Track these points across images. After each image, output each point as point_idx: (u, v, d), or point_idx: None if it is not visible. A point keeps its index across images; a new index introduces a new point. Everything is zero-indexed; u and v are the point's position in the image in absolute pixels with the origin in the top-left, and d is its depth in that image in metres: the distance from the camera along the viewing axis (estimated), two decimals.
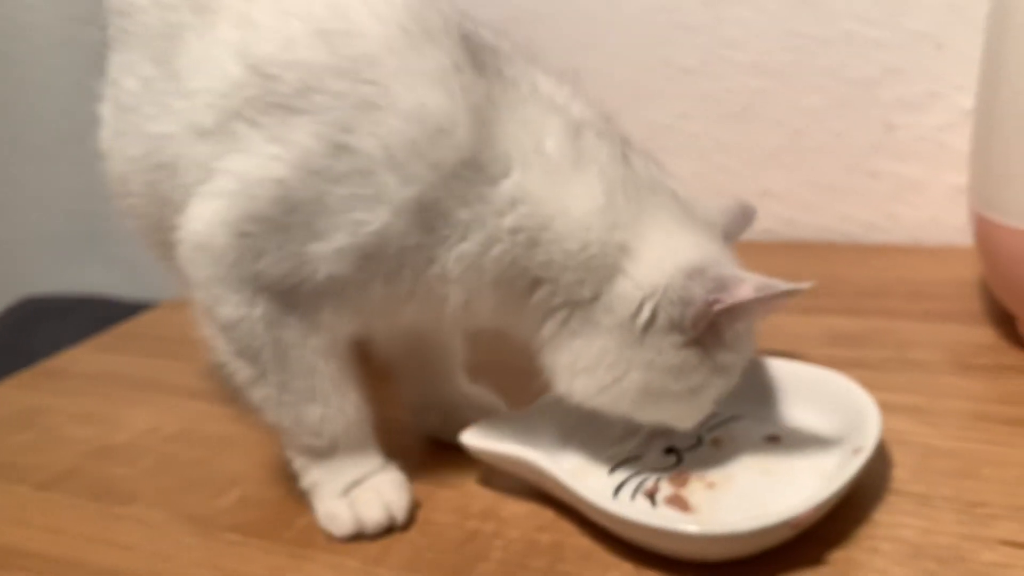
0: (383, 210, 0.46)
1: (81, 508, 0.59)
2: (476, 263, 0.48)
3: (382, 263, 0.47)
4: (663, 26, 0.93)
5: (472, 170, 0.47)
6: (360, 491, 0.52)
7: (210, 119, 0.49)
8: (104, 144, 0.58)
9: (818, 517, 0.45)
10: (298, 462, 0.54)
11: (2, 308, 1.28)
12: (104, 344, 0.90)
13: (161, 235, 0.53)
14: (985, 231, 0.61)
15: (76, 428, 0.71)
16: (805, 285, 0.44)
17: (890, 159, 0.87)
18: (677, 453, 0.54)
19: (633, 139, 0.53)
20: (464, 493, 0.54)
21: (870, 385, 0.52)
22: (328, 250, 0.47)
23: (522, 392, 0.55)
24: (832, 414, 0.53)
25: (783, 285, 0.45)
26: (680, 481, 0.51)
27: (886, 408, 0.50)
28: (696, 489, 0.50)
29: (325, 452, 0.53)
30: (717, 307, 0.46)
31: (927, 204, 0.87)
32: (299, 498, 0.54)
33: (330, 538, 0.52)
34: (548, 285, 0.49)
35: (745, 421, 0.56)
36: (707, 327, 0.47)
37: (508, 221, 0.47)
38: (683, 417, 0.51)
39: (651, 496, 0.50)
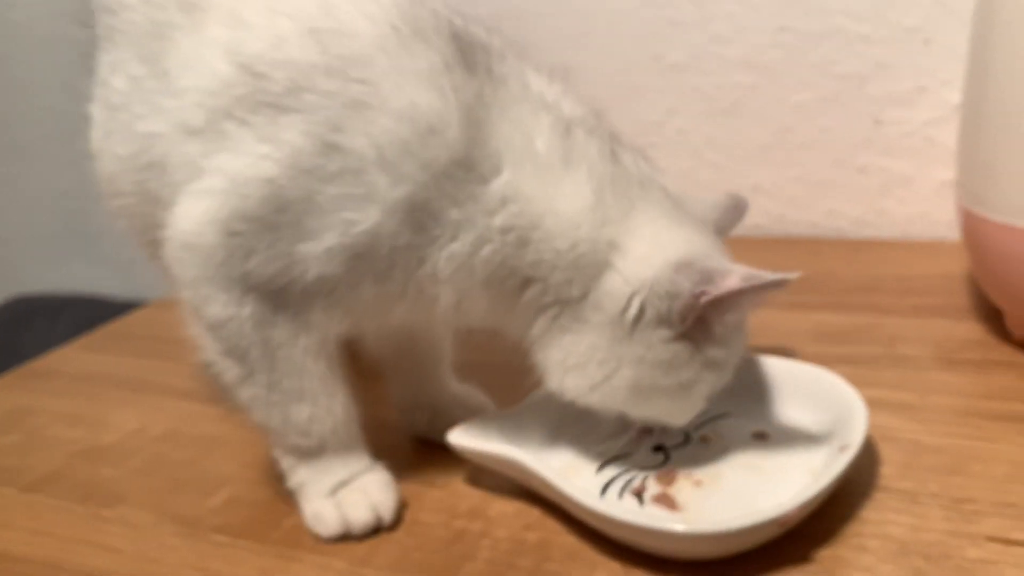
0: (374, 210, 0.46)
1: (67, 510, 0.59)
2: (467, 263, 0.48)
3: (372, 263, 0.47)
4: (652, 22, 0.93)
5: (463, 170, 0.46)
6: (347, 491, 0.52)
7: (200, 118, 0.48)
8: (94, 144, 0.58)
9: (805, 515, 0.45)
10: (285, 462, 0.54)
11: None
12: (92, 344, 0.89)
13: (151, 234, 0.52)
14: (972, 226, 0.61)
15: (63, 429, 0.71)
16: (792, 275, 0.44)
17: (879, 154, 0.87)
18: (665, 451, 0.54)
19: (623, 136, 0.53)
20: (452, 492, 0.54)
21: (858, 381, 0.52)
22: (318, 250, 0.47)
23: (511, 391, 0.55)
24: (820, 411, 0.53)
25: (770, 276, 0.45)
26: (668, 479, 0.51)
27: (874, 404, 0.50)
28: (683, 487, 0.50)
29: (313, 452, 0.52)
30: (704, 299, 0.46)
31: (916, 199, 0.87)
32: (287, 499, 0.54)
33: (317, 539, 0.51)
34: (538, 284, 0.49)
35: (733, 418, 0.56)
36: (696, 321, 0.47)
37: (498, 220, 0.47)
38: (676, 413, 0.51)
39: (638, 494, 0.50)
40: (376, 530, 0.51)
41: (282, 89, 0.46)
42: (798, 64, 0.87)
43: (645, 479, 0.51)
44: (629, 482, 0.51)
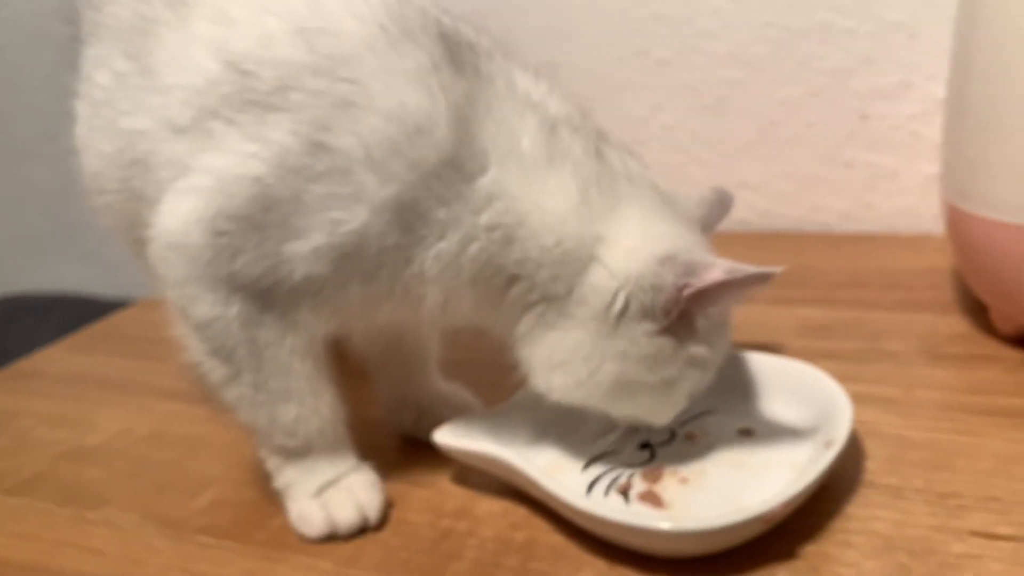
0: (361, 209, 0.46)
1: (51, 513, 0.58)
2: (453, 262, 0.48)
3: (360, 263, 0.47)
4: (638, 17, 0.93)
5: (451, 169, 0.46)
6: (333, 492, 0.52)
7: (186, 116, 0.48)
8: (78, 140, 0.57)
9: (790, 511, 0.45)
10: (271, 462, 0.53)
11: None
12: (77, 345, 0.89)
13: (136, 232, 0.52)
14: (957, 221, 0.61)
15: (48, 431, 0.70)
16: (775, 269, 0.44)
17: (864, 149, 0.87)
18: (651, 448, 0.54)
19: (610, 133, 0.53)
20: (438, 492, 0.54)
21: (843, 376, 0.53)
22: (305, 249, 0.46)
23: (497, 389, 0.55)
24: (805, 407, 0.53)
25: (752, 269, 0.45)
26: (653, 477, 0.51)
27: (859, 399, 0.51)
28: (669, 485, 0.50)
29: (299, 452, 0.52)
30: (687, 292, 0.46)
31: (901, 193, 0.87)
32: (272, 499, 0.54)
33: (303, 539, 0.51)
34: (524, 281, 0.49)
35: (718, 415, 0.56)
36: (679, 315, 0.47)
37: (484, 219, 0.47)
38: (658, 412, 0.51)
39: (624, 492, 0.50)
40: (362, 530, 0.51)
41: (270, 88, 0.46)
42: (784, 59, 0.88)
43: (631, 477, 0.51)
44: (615, 480, 0.51)
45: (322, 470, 0.53)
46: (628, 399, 0.50)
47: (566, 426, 0.55)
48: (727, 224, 0.57)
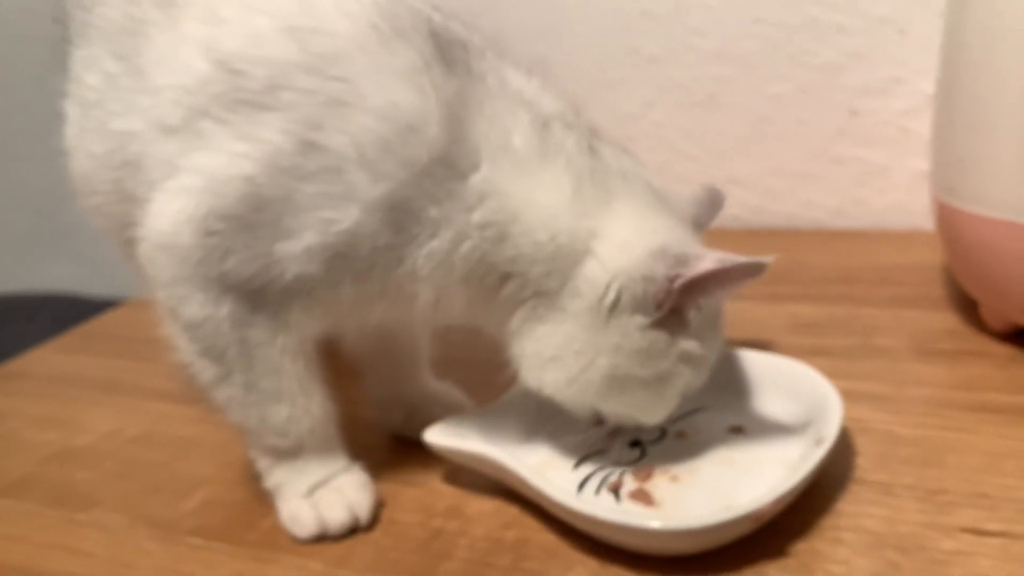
0: (353, 208, 0.45)
1: (40, 515, 0.58)
2: (446, 260, 0.48)
3: (352, 262, 0.47)
4: (628, 14, 0.92)
5: (443, 167, 0.46)
6: (324, 492, 0.52)
7: (176, 116, 0.48)
8: (68, 141, 0.57)
9: (780, 509, 0.45)
10: (262, 462, 0.53)
11: None
12: (66, 345, 0.89)
13: (127, 233, 0.52)
14: (946, 217, 0.61)
15: (37, 432, 0.70)
16: (766, 259, 0.44)
17: (855, 145, 0.87)
18: (642, 446, 0.54)
19: (602, 130, 0.53)
20: (429, 491, 0.54)
21: (834, 373, 0.53)
22: (297, 249, 0.46)
23: (489, 387, 0.55)
24: (796, 404, 0.53)
25: (743, 258, 0.45)
26: (644, 475, 0.51)
27: (849, 396, 0.51)
28: (660, 483, 0.50)
29: (290, 452, 0.52)
30: (678, 282, 0.46)
31: (892, 189, 0.87)
32: (263, 500, 0.54)
33: (294, 540, 0.51)
34: (517, 279, 0.49)
35: (709, 412, 0.56)
36: (672, 308, 0.47)
37: (477, 216, 0.47)
38: (650, 409, 0.51)
39: (615, 491, 0.50)
40: (353, 530, 0.51)
41: (260, 87, 0.46)
42: (774, 56, 0.88)
43: (622, 475, 0.51)
44: (606, 478, 0.51)
45: (313, 470, 0.52)
46: (620, 395, 0.50)
47: (557, 424, 0.55)
48: (718, 220, 0.57)
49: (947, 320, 0.66)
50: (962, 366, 0.60)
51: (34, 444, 0.68)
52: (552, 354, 0.49)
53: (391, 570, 0.48)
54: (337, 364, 0.57)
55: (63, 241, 1.25)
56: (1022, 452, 0.50)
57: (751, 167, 0.92)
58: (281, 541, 0.51)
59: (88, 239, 0.62)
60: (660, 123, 0.94)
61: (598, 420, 0.54)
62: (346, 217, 0.46)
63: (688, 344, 0.49)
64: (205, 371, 0.50)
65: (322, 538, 0.51)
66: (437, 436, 0.52)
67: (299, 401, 0.51)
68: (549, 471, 0.52)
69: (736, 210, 0.93)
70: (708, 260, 0.45)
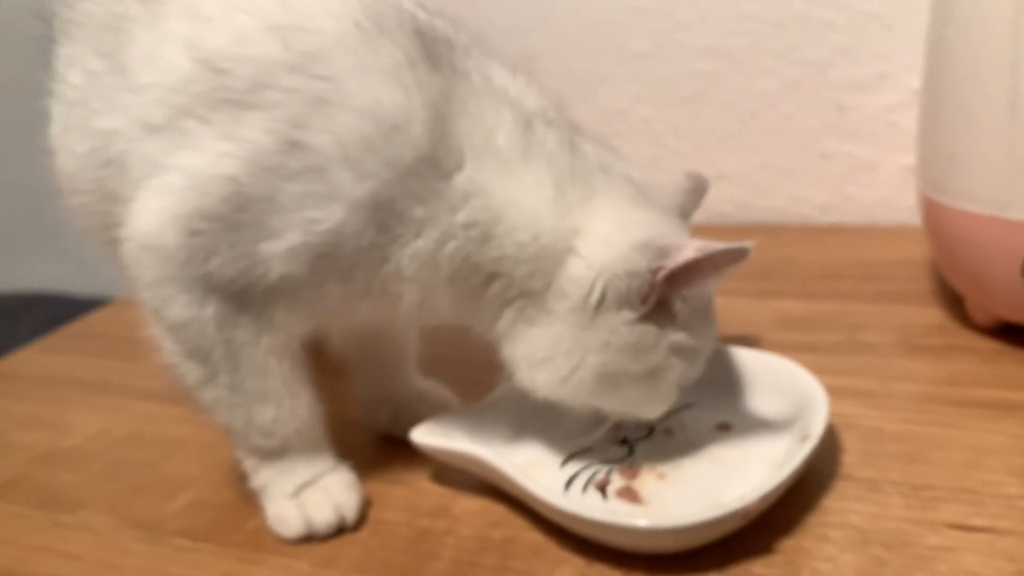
0: (337, 208, 0.45)
1: (25, 517, 0.58)
2: (431, 260, 0.47)
3: (336, 262, 0.47)
4: (615, 10, 0.92)
5: (427, 166, 0.46)
6: (310, 492, 0.52)
7: (160, 115, 0.47)
8: (52, 140, 0.56)
9: (767, 506, 0.45)
10: (248, 463, 0.53)
11: None
12: (52, 345, 0.88)
13: (111, 233, 0.51)
14: (933, 213, 0.61)
15: (22, 433, 0.70)
16: (747, 244, 0.44)
17: (842, 140, 0.88)
18: (629, 444, 0.54)
19: (585, 126, 0.52)
20: (416, 490, 0.54)
21: (820, 369, 0.53)
22: (281, 249, 0.46)
23: (477, 385, 0.55)
24: (782, 400, 0.53)
25: (724, 245, 0.44)
26: (631, 473, 0.51)
27: (836, 392, 0.51)
28: (647, 481, 0.50)
29: (276, 453, 0.52)
30: (661, 274, 0.46)
31: (879, 184, 0.87)
32: (249, 501, 0.53)
33: (280, 540, 0.51)
34: (503, 279, 0.48)
35: (697, 409, 0.56)
36: (658, 301, 0.47)
37: (461, 216, 0.47)
38: (647, 404, 0.51)
39: (602, 489, 0.50)
40: (340, 530, 0.51)
41: (244, 86, 0.46)
42: (761, 51, 0.88)
43: (609, 473, 0.51)
44: (593, 476, 0.51)
45: (299, 470, 0.52)
46: (615, 392, 0.49)
47: (545, 423, 0.55)
48: (705, 217, 0.57)
49: (934, 315, 0.66)
50: (948, 361, 0.60)
51: (20, 446, 0.68)
52: (543, 356, 0.49)
53: (378, 570, 0.48)
54: (323, 363, 0.57)
55: (50, 240, 1.24)
56: (1008, 447, 0.50)
57: (738, 163, 0.92)
58: (267, 542, 0.51)
59: (75, 238, 0.61)
60: (648, 119, 0.94)
61: (589, 424, 0.54)
62: (330, 216, 0.45)
63: (677, 336, 0.49)
64: (190, 372, 0.50)
65: (309, 538, 0.51)
66: (424, 435, 0.52)
67: (285, 402, 0.51)
68: (536, 470, 0.52)
69: (723, 206, 0.93)
70: (689, 249, 0.45)
